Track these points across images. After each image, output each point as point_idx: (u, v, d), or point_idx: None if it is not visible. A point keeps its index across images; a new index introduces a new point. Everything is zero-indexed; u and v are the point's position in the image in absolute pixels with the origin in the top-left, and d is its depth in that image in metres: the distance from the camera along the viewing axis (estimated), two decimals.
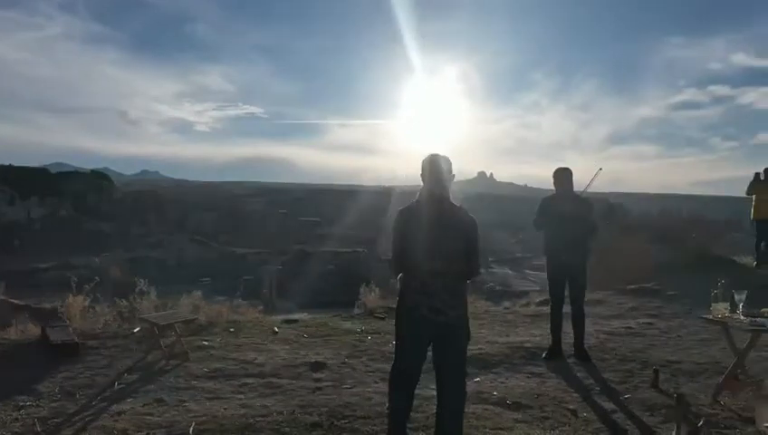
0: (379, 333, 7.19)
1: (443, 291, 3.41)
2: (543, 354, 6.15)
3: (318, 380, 5.28)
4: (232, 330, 7.07)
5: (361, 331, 7.33)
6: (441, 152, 3.55)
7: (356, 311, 9.48)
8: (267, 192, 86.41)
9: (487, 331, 7.40)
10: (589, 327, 6.56)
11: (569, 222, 5.94)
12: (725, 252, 13.23)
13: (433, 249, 3.37)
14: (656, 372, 5.31)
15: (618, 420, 4.42)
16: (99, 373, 5.33)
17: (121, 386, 5.02)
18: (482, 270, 4.50)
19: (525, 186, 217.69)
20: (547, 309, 6.55)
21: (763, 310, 4.79)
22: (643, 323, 7.91)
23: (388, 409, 3.85)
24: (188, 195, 78.77)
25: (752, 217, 11.86)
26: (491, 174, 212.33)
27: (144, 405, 4.53)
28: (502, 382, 5.31)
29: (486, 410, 4.53)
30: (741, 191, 12.05)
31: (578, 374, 5.60)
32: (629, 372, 5.65)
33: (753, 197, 11.64)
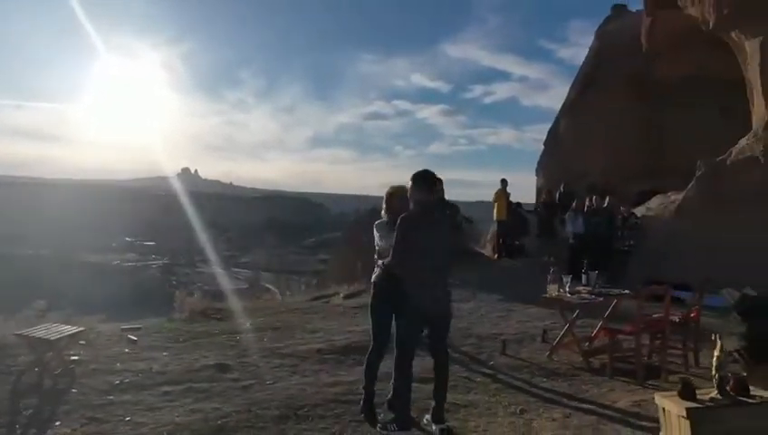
0: (240, 333, 7.37)
1: (440, 284, 4.13)
2: None
3: (236, 380, 5.38)
4: (83, 342, 6.44)
5: (220, 331, 7.39)
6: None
7: (177, 315, 9.26)
8: None
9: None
10: None
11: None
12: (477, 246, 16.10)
13: (431, 248, 4.05)
14: (503, 342, 6.76)
15: (503, 378, 5.63)
16: None
17: (29, 411, 4.44)
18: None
19: (231, 184, 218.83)
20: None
21: (579, 288, 6.53)
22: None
23: (364, 388, 4.39)
24: None
25: (494, 217, 14.73)
26: (195, 170, 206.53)
27: (83, 426, 4.17)
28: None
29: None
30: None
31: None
32: (476, 345, 7.00)
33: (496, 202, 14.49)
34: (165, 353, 6.22)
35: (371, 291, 4.48)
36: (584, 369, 5.91)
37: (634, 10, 19.24)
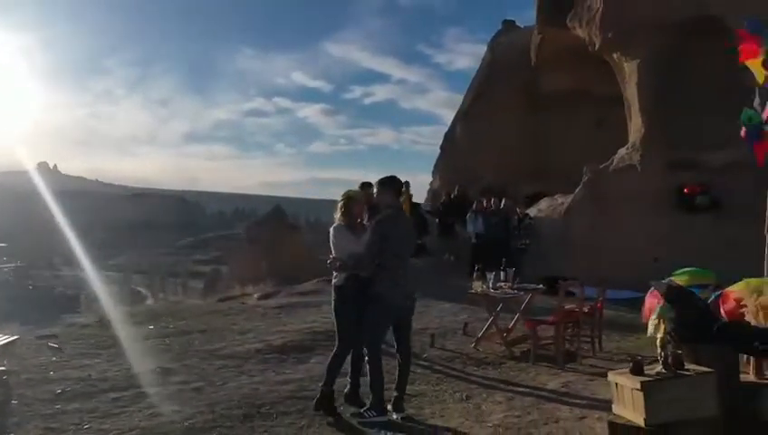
0: (169, 336, 7.26)
1: (410, 281, 4.46)
2: None
3: (185, 382, 5.36)
4: None
5: (147, 335, 7.24)
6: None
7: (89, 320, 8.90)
8: None
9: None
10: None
11: None
12: None
13: (404, 249, 4.38)
14: (432, 336, 7.22)
15: (441, 369, 6.06)
16: None
17: None
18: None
19: (97, 181, 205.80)
20: None
21: (500, 284, 7.12)
22: None
23: (324, 385, 4.59)
24: None
25: None
26: (55, 165, 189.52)
27: None
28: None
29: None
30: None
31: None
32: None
33: None
34: (97, 360, 6.02)
35: (334, 294, 4.64)
36: (508, 357, 6.49)
37: (522, 26, 20.73)
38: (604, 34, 12.03)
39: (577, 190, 13.05)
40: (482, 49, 23.14)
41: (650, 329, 3.77)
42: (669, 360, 3.29)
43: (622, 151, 12.25)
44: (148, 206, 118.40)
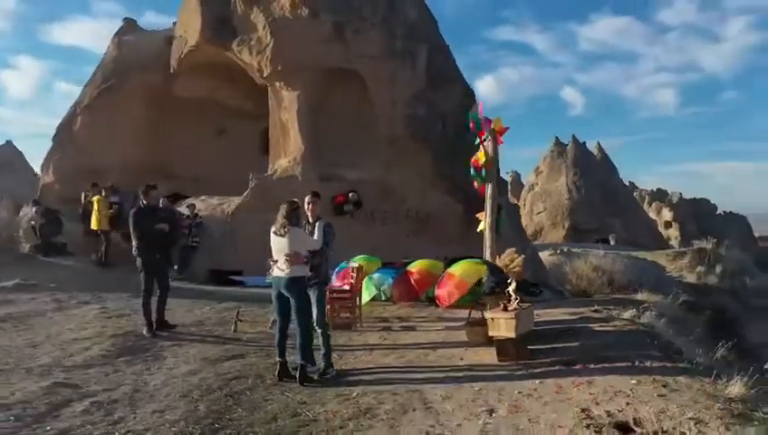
0: None
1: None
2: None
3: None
4: None
5: None
6: None
7: None
8: None
9: None
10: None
11: None
12: None
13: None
14: (238, 311, 8.57)
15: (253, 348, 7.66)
16: None
17: None
18: None
19: None
20: None
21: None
22: None
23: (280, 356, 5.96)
24: None
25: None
26: None
27: None
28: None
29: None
30: None
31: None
32: (207, 328, 8.43)
33: None
34: None
35: (298, 284, 6.00)
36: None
37: (146, 28, 21.00)
38: (274, 66, 14.54)
39: (245, 193, 15.17)
40: None
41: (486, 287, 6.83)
42: (517, 302, 6.39)
43: (284, 163, 15.05)
44: None
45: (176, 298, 9.72)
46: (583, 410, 4.46)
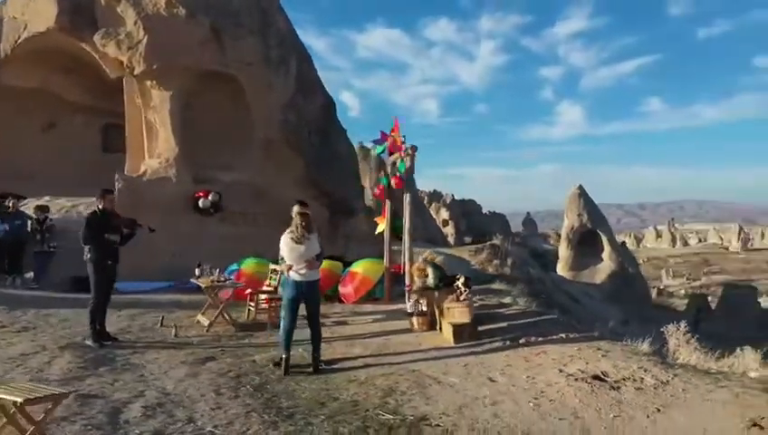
0: None
1: None
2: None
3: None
4: None
5: None
6: None
7: None
8: None
9: None
10: None
11: None
12: None
13: None
14: (162, 317, 8.72)
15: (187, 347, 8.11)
16: None
17: None
18: None
19: None
20: None
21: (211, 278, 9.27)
22: None
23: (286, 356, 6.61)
24: None
25: None
26: None
27: None
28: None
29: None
30: None
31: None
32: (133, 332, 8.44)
33: None
34: None
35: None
36: (253, 329, 8.98)
37: None
38: (149, 65, 14.03)
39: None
40: None
41: (430, 281, 8.16)
42: (466, 293, 7.84)
43: (155, 164, 14.60)
44: None
45: (67, 308, 9.46)
46: (560, 371, 6.03)
